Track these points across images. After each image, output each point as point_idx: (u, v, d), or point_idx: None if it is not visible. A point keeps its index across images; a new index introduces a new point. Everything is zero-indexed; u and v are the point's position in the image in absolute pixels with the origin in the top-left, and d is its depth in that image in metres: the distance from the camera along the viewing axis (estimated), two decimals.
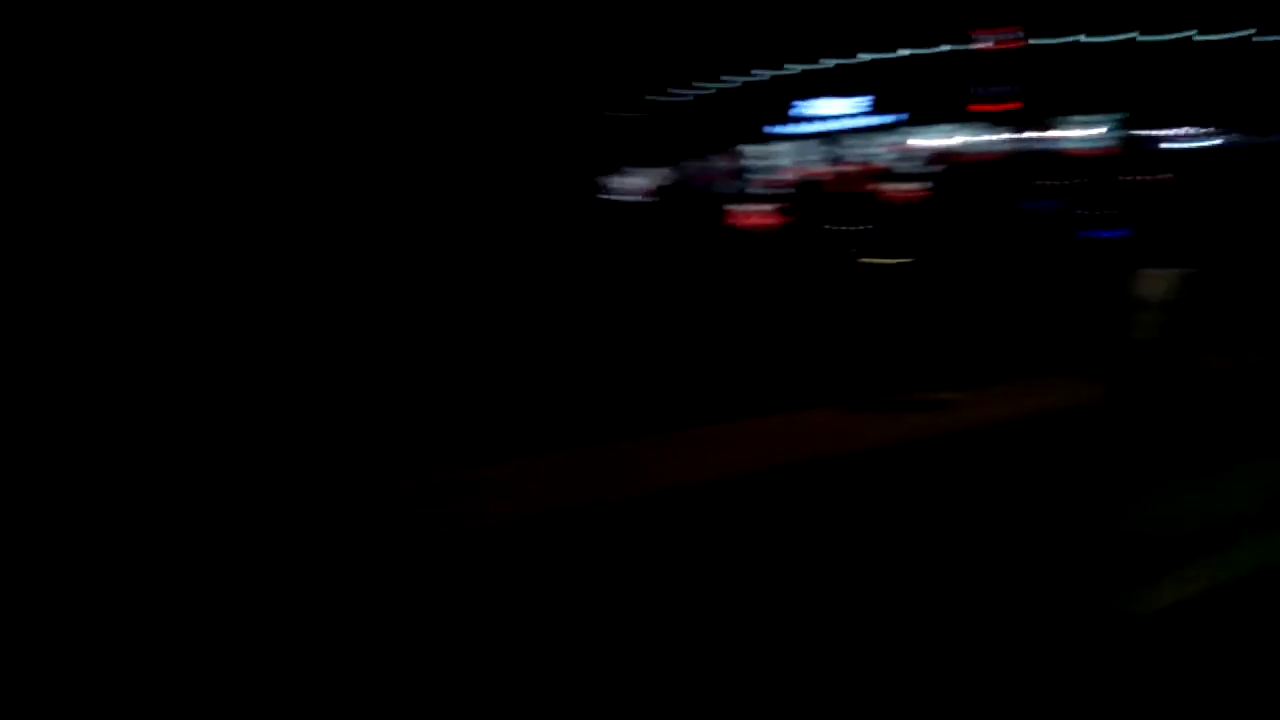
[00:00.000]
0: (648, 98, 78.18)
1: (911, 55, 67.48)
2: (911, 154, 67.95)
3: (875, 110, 68.71)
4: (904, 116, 67.31)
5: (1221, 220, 37.19)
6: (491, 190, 42.34)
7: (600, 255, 30.99)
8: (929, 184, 63.14)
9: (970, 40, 66.26)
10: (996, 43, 67.32)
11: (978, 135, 66.57)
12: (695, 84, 75.44)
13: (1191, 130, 63.53)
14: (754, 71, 72.88)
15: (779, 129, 72.26)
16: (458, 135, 48.70)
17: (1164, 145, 62.14)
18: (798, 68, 70.83)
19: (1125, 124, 60.81)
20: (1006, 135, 65.69)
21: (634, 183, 79.02)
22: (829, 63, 69.19)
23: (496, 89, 57.63)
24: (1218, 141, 63.24)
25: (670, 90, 77.78)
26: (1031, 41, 65.01)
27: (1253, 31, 64.02)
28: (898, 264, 29.15)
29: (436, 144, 46.24)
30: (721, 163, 77.34)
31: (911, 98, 66.06)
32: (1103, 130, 63.63)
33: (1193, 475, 6.39)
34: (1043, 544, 5.11)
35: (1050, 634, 3.92)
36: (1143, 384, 7.00)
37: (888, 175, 64.31)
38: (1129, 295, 8.66)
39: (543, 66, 63.97)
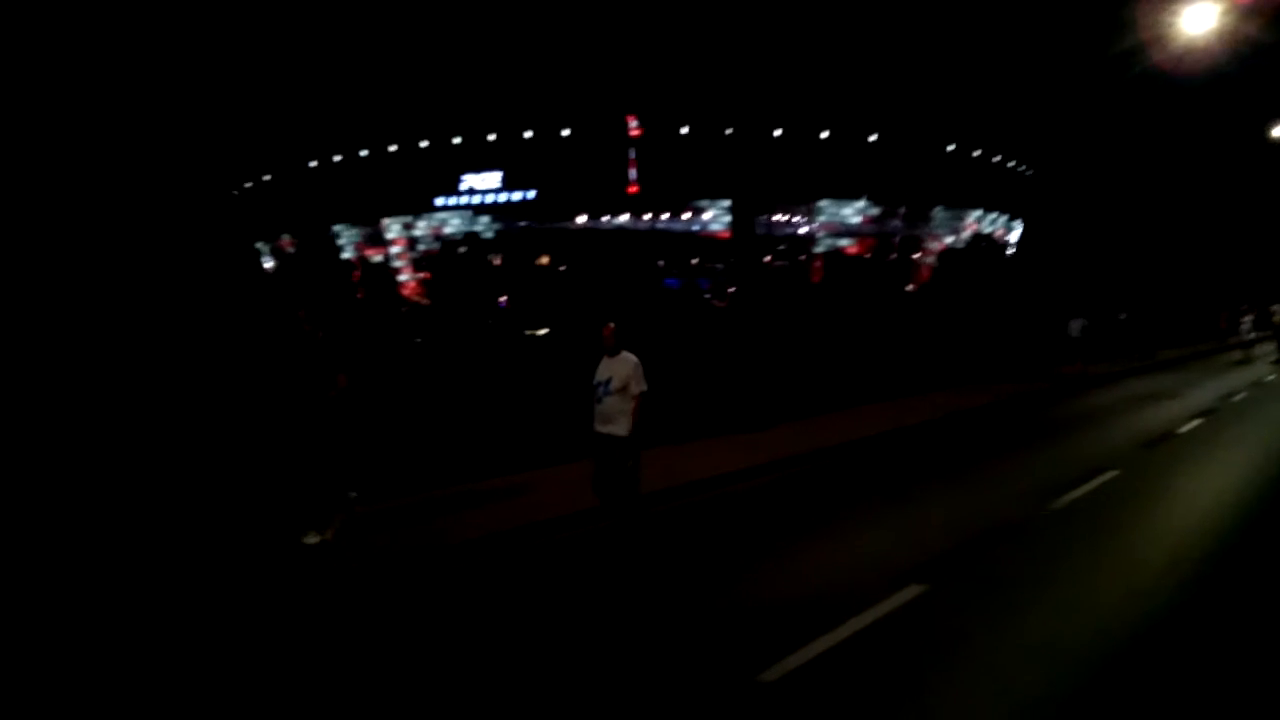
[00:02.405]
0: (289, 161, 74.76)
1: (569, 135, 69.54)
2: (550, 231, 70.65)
3: (511, 186, 70.74)
4: (531, 194, 69.88)
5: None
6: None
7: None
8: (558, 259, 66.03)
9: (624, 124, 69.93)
10: (635, 129, 71.85)
11: (617, 216, 70.85)
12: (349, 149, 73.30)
13: (794, 216, 72.43)
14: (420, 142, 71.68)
15: (446, 199, 71.93)
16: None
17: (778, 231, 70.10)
18: (457, 139, 70.87)
19: (736, 209, 67.37)
20: (639, 216, 70.53)
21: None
22: (490, 137, 69.99)
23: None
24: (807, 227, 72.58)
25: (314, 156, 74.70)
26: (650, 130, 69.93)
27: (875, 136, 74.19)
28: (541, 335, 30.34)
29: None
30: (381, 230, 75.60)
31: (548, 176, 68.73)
32: (722, 213, 70.43)
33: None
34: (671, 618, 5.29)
35: (682, 702, 4.06)
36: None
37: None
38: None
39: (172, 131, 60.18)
